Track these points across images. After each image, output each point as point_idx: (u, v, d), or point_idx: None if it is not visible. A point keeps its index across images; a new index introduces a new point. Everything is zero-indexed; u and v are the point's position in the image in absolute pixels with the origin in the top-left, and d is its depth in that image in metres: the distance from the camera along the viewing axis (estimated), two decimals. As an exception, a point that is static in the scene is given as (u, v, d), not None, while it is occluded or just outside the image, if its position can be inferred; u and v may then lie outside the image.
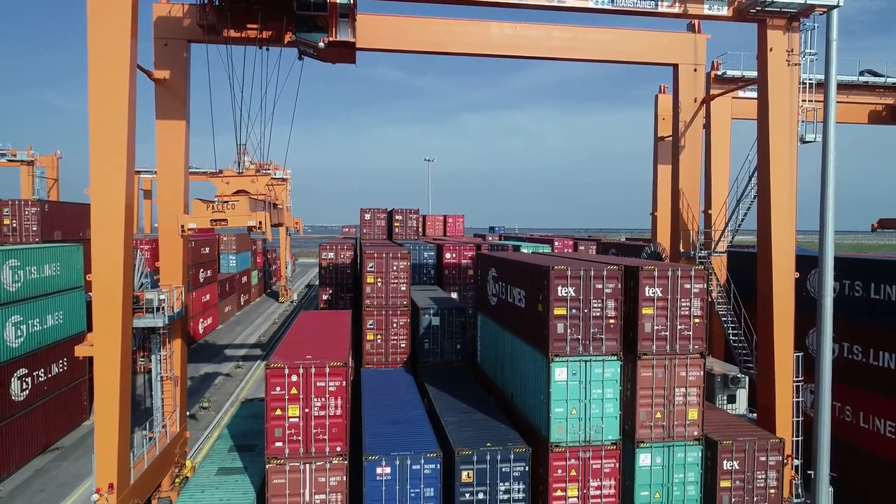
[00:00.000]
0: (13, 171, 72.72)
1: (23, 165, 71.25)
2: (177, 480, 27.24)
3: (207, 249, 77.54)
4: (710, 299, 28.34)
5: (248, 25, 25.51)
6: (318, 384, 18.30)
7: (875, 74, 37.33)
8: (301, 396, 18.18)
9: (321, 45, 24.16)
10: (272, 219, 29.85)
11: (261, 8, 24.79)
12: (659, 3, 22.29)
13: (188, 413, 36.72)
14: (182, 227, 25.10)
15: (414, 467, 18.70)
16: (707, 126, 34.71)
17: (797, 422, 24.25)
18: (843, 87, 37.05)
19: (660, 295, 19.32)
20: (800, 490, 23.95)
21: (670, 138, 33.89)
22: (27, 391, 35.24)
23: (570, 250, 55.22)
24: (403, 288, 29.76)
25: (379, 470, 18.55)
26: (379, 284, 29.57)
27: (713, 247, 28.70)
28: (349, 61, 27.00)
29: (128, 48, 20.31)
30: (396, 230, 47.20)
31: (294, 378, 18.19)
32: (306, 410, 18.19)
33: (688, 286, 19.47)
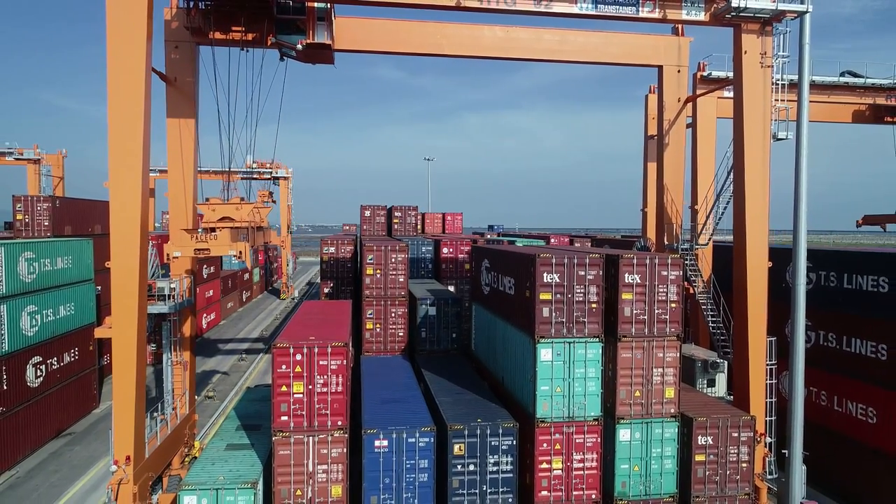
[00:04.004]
0: (18, 170, 74.46)
1: (29, 164, 72.90)
2: (186, 459, 28.71)
3: (210, 246, 78.88)
4: (692, 290, 29.85)
5: (233, 28, 27.00)
6: (321, 363, 19.74)
7: (855, 75, 38.75)
8: (305, 374, 19.64)
9: (299, 46, 25.78)
10: (258, 240, 31.45)
11: (243, 11, 26.30)
12: (640, 8, 23.74)
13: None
14: (167, 255, 26.69)
15: (409, 440, 20.12)
16: (693, 125, 36.18)
17: (770, 402, 25.70)
18: (824, 87, 38.58)
19: (638, 281, 20.74)
20: (773, 467, 25.33)
21: (659, 136, 35.27)
22: (41, 378, 36.78)
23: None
24: (402, 279, 31.16)
25: (377, 443, 19.99)
26: (378, 276, 30.98)
27: (695, 239, 30.15)
28: (328, 62, 28.64)
29: (143, 51, 21.71)
30: (396, 227, 48.46)
31: (298, 357, 19.66)
32: (310, 387, 19.64)
33: (665, 273, 20.89)
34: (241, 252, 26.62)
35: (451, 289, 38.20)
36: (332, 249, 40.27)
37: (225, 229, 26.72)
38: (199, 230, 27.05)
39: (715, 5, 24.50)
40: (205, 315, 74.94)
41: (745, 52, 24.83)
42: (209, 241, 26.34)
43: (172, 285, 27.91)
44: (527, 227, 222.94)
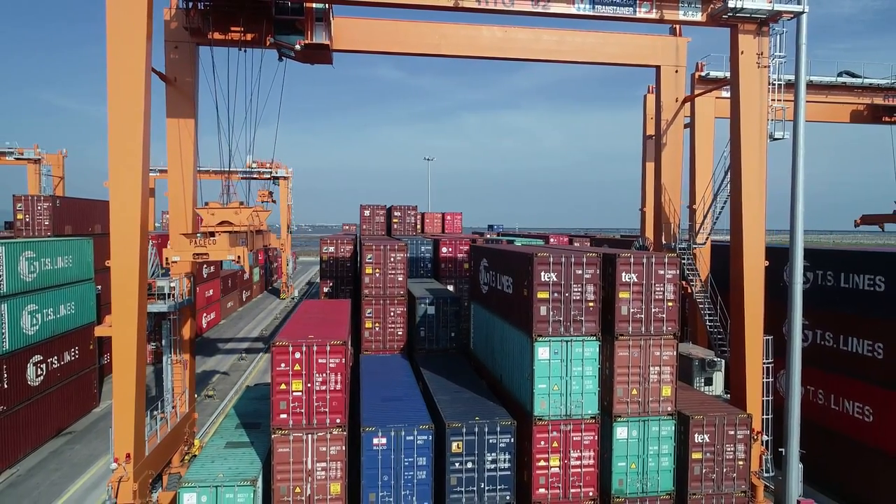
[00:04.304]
0: (18, 169, 74.71)
1: (30, 164, 73.14)
2: (186, 458, 28.86)
3: (211, 246, 78.96)
4: (690, 290, 29.97)
5: (232, 28, 27.19)
6: (320, 361, 19.89)
7: (853, 75, 38.85)
8: (304, 372, 19.79)
9: (297, 47, 25.96)
10: (257, 243, 31.78)
11: (242, 12, 26.50)
12: (637, 9, 23.87)
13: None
14: (166, 259, 26.90)
15: (408, 438, 20.24)
16: (692, 125, 36.31)
17: (767, 401, 25.82)
18: (822, 87, 38.69)
19: (635, 280, 20.83)
20: (770, 466, 25.46)
21: (658, 136, 35.37)
22: (42, 377, 36.94)
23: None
24: (401, 279, 31.30)
25: (375, 440, 20.10)
26: (377, 275, 31.13)
27: (693, 238, 30.28)
28: (326, 62, 28.85)
29: (143, 51, 21.82)
30: (395, 226, 48.59)
31: (297, 355, 19.80)
32: (308, 385, 19.79)
33: (661, 272, 20.97)
34: (239, 257, 26.81)
35: (450, 288, 38.35)
36: (332, 249, 40.45)
37: (223, 234, 26.92)
38: (198, 235, 27.22)
39: (711, 6, 24.61)
40: (204, 314, 75.11)
41: (742, 53, 24.93)
42: (208, 245, 26.53)
43: (172, 284, 28.07)
44: (526, 227, 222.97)
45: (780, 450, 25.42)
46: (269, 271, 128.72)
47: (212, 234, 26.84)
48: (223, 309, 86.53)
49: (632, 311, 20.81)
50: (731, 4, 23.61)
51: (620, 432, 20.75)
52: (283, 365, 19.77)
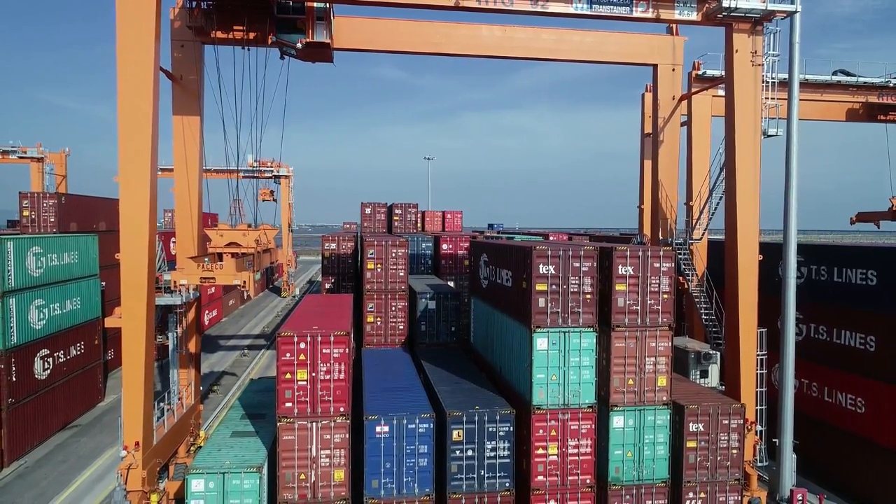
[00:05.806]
0: (21, 168, 75.16)
1: (33, 162, 73.58)
2: (192, 449, 29.39)
3: (212, 244, 79.48)
4: (686, 286, 30.50)
5: (235, 27, 27.73)
6: (324, 351, 20.31)
7: (848, 74, 39.37)
8: (308, 362, 20.18)
9: (299, 45, 26.52)
10: (265, 262, 32.34)
11: (245, 11, 27.06)
12: (633, 8, 24.38)
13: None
14: (174, 282, 27.41)
15: (410, 426, 20.68)
16: (688, 122, 36.85)
17: (761, 392, 26.36)
18: (817, 86, 39.22)
19: (631, 273, 21.27)
20: (763, 455, 25.99)
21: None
22: (48, 371, 37.50)
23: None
24: (402, 274, 31.76)
25: (378, 428, 20.56)
26: (379, 270, 31.59)
27: (689, 234, 30.81)
28: (327, 60, 29.41)
29: (151, 51, 22.36)
30: (396, 224, 48.99)
31: (302, 345, 20.22)
32: (313, 374, 20.19)
33: (657, 265, 21.43)
34: (244, 282, 27.42)
35: (451, 284, 38.80)
36: (334, 246, 40.85)
37: (230, 258, 27.48)
38: (206, 259, 27.73)
39: (706, 5, 25.12)
40: (206, 312, 75.55)
41: (737, 51, 25.46)
42: (215, 270, 27.11)
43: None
44: (526, 226, 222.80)
45: (773, 440, 25.95)
46: (270, 270, 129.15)
47: (219, 255, 27.34)
48: (224, 306, 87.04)
49: (628, 303, 21.21)
50: (725, 4, 24.12)
51: (617, 421, 21.16)
52: (288, 355, 20.20)
